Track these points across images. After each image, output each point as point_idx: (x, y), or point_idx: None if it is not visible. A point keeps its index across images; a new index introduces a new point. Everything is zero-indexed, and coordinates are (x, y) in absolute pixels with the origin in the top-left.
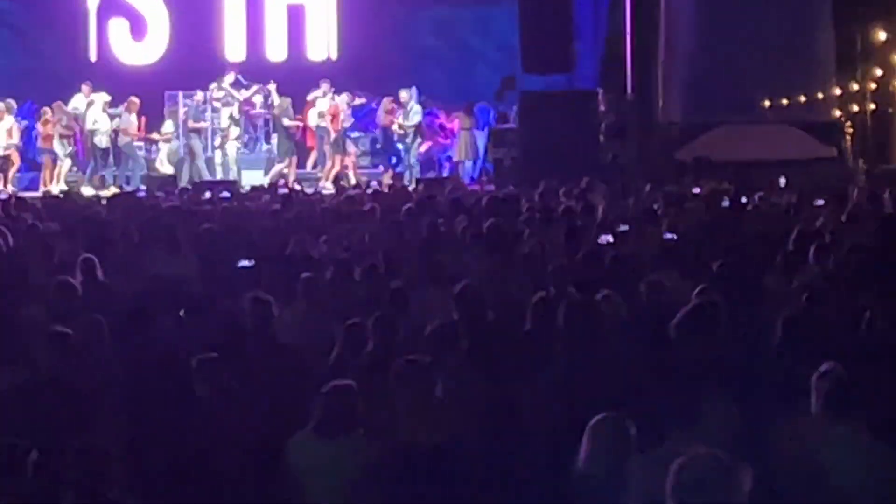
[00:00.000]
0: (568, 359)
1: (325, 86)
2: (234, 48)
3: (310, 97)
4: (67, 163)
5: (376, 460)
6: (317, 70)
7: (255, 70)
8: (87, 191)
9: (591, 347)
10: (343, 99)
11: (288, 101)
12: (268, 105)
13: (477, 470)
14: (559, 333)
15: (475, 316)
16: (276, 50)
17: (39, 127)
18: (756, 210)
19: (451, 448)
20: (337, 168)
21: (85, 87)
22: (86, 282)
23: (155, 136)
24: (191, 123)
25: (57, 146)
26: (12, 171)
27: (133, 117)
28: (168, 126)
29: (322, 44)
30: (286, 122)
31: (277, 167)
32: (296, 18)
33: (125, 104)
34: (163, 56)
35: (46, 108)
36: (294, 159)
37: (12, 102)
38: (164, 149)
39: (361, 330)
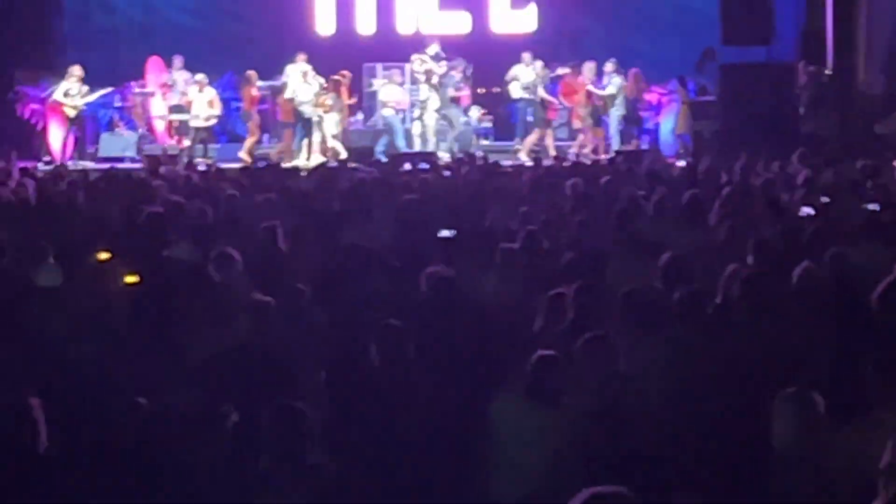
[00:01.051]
0: (746, 332)
1: (526, 57)
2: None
3: (513, 72)
4: (301, 134)
5: (580, 431)
6: (513, 43)
7: (449, 43)
8: (302, 162)
9: (769, 319)
10: (590, 67)
11: (547, 70)
12: (467, 78)
13: (671, 447)
14: (740, 306)
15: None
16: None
17: (280, 100)
18: None
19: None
20: (599, 141)
21: (301, 56)
22: (266, 250)
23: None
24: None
25: (307, 113)
26: (250, 142)
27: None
28: (329, 97)
29: (519, 16)
30: (540, 92)
31: (530, 138)
32: None
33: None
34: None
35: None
36: (547, 131)
37: (254, 73)
38: (329, 120)
39: (563, 299)
